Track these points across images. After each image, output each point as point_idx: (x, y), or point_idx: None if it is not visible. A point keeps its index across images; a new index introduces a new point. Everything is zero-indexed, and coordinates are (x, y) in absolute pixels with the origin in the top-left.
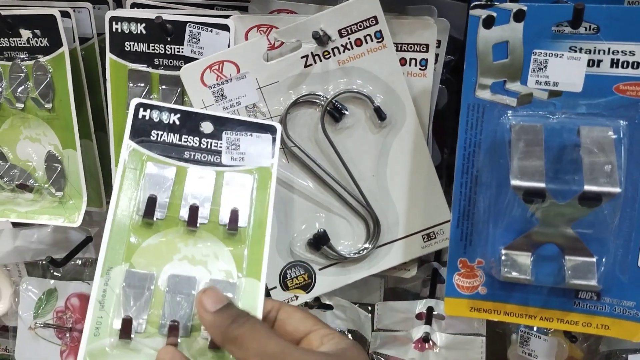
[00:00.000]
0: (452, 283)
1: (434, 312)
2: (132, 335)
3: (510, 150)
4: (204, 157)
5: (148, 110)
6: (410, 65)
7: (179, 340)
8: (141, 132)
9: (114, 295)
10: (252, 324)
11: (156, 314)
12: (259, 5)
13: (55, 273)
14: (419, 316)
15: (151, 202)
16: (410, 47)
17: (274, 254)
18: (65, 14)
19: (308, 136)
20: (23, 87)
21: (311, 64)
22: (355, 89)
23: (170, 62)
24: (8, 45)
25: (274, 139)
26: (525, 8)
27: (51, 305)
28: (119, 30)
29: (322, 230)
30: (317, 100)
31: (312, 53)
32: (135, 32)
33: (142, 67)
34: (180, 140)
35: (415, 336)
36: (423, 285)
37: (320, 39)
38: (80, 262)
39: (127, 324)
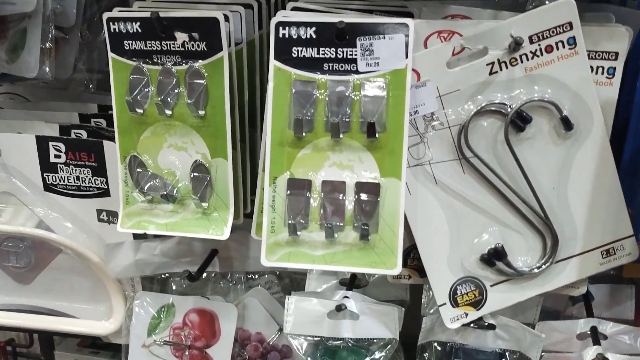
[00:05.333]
0: None
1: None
2: (298, 233)
3: None
4: (341, 66)
5: (287, 28)
6: (596, 73)
7: (335, 235)
8: (283, 50)
9: (281, 200)
10: None
11: (316, 212)
12: (433, 9)
13: (175, 288)
14: (579, 336)
15: (298, 122)
16: (598, 55)
17: (445, 268)
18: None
19: (485, 147)
20: (173, 93)
21: (496, 72)
22: (545, 97)
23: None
24: (159, 49)
25: (406, 39)
26: None
27: (168, 322)
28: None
29: (500, 245)
30: (502, 110)
31: (498, 60)
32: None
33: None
34: (318, 53)
35: (587, 357)
36: (568, 303)
37: (517, 45)
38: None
39: (292, 227)
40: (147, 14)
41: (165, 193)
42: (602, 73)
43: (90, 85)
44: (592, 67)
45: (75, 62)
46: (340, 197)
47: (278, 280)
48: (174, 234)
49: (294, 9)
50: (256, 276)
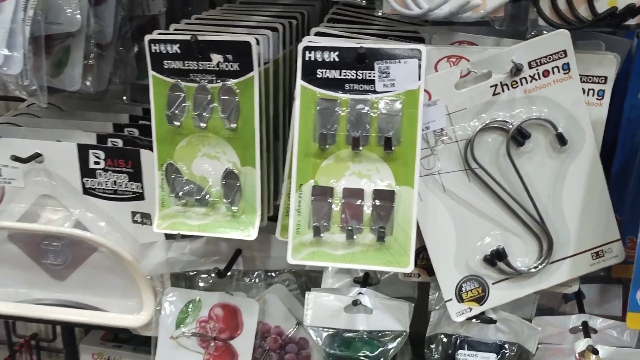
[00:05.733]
0: (635, 299)
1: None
2: (321, 235)
3: None
4: (361, 87)
5: (313, 52)
6: (588, 95)
7: (354, 237)
8: (309, 72)
9: (306, 205)
10: None
11: (337, 216)
12: (442, 36)
13: (201, 284)
14: (572, 330)
15: (322, 136)
16: (589, 79)
17: (451, 267)
18: None
19: (489, 159)
20: (208, 107)
21: (499, 93)
22: (542, 116)
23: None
24: (196, 68)
25: (419, 63)
26: None
27: (194, 316)
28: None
29: (501, 247)
30: (504, 127)
31: (501, 82)
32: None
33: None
34: (340, 75)
35: (579, 348)
36: (562, 301)
37: (518, 70)
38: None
39: (316, 229)
40: (187, 37)
41: (198, 197)
42: (593, 95)
43: (124, 97)
44: (584, 90)
45: (110, 76)
46: (359, 203)
47: (295, 278)
48: (206, 234)
49: (317, 34)
50: (275, 274)
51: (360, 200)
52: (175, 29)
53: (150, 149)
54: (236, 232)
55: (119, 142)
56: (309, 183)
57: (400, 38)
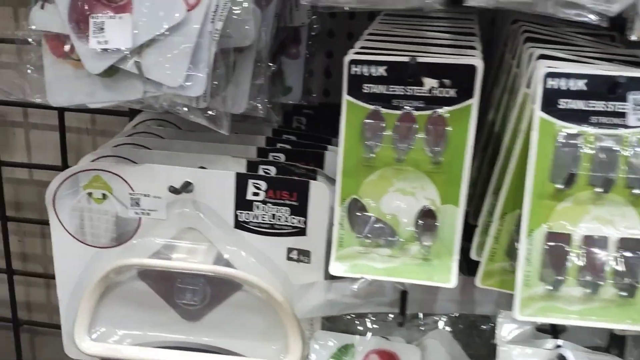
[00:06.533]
0: None
1: None
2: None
3: None
4: (609, 120)
5: (557, 79)
6: None
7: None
8: (551, 102)
9: (537, 253)
10: None
11: (574, 267)
12: None
13: (360, 327)
14: None
15: (570, 177)
16: None
17: None
18: None
19: None
20: (411, 138)
21: None
22: None
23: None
24: (402, 93)
25: None
26: None
27: None
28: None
29: None
30: None
31: None
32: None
33: None
34: (586, 106)
35: None
36: None
37: None
38: (390, 317)
39: (557, 282)
40: (399, 59)
41: (391, 239)
42: None
43: (277, 118)
44: None
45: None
46: (603, 253)
47: (450, 322)
48: (395, 279)
49: (541, 56)
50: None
51: (603, 250)
52: (362, 47)
53: (310, 177)
54: (432, 278)
55: (272, 170)
56: (542, 228)
57: (623, 62)
